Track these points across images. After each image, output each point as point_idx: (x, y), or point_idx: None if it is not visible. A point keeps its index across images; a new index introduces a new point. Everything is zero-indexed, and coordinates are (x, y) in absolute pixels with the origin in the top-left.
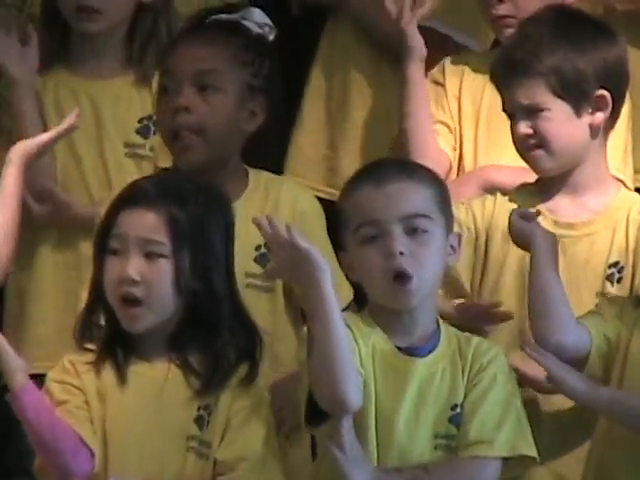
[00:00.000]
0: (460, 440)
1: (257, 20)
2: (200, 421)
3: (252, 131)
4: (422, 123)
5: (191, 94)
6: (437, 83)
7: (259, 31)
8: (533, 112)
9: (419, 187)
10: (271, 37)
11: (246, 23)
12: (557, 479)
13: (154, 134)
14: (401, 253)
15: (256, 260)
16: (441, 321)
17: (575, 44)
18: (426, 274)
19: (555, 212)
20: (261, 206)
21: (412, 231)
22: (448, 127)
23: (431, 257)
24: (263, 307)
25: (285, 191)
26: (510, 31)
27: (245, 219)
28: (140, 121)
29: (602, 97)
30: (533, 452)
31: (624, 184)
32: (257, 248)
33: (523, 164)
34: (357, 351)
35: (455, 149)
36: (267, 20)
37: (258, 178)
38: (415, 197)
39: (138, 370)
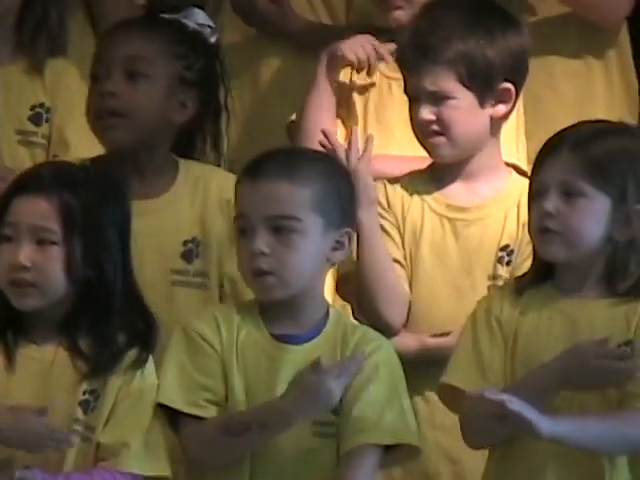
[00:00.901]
0: (341, 428)
1: (198, 20)
2: (85, 405)
3: (182, 123)
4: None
5: (120, 80)
6: None
7: (197, 29)
8: (438, 99)
9: (293, 188)
10: (212, 39)
11: (185, 21)
12: (452, 462)
13: (46, 122)
14: (262, 253)
15: (183, 256)
16: (332, 309)
17: (486, 33)
18: (290, 272)
19: (448, 196)
20: (191, 199)
21: (277, 231)
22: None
23: (297, 256)
24: (194, 303)
25: (214, 182)
26: (400, 13)
27: (173, 213)
28: (32, 108)
29: (507, 90)
30: (415, 441)
31: (516, 168)
32: (184, 243)
33: (412, 153)
34: (220, 341)
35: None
36: (209, 22)
37: (188, 169)
38: (285, 198)
39: (26, 353)
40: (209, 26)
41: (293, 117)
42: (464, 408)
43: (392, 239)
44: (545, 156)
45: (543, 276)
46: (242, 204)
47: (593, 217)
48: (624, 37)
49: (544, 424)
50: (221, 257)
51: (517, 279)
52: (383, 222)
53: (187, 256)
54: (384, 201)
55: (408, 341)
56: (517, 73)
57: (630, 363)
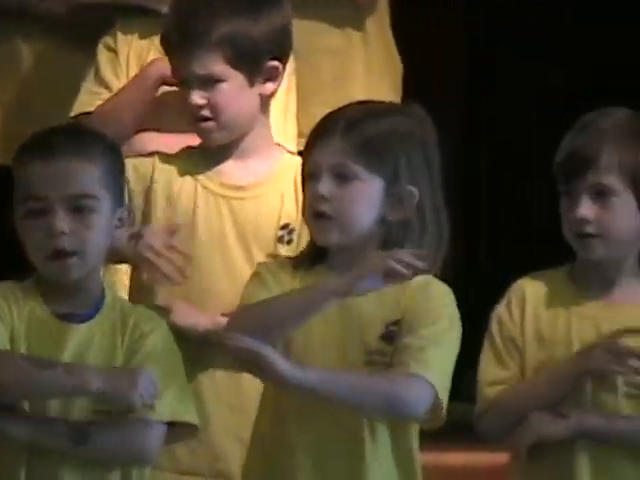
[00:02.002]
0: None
1: None
2: None
3: None
4: None
5: None
6: (110, 49)
7: None
8: (208, 82)
9: (89, 166)
10: None
11: None
12: (240, 441)
13: None
14: (63, 232)
15: None
16: (107, 289)
17: (250, 13)
18: (89, 252)
19: (222, 175)
20: None
21: (77, 210)
22: None
23: (96, 236)
24: None
25: None
26: None
27: None
28: None
29: (274, 68)
30: (195, 420)
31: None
32: None
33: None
34: (9, 311)
35: None
36: None
37: None
38: (82, 177)
39: None
40: None
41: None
42: None
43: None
44: (317, 138)
45: (317, 257)
46: (36, 186)
47: (367, 200)
48: (384, 14)
49: (291, 371)
50: None
51: (292, 258)
52: None
53: None
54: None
55: (200, 320)
56: (282, 50)
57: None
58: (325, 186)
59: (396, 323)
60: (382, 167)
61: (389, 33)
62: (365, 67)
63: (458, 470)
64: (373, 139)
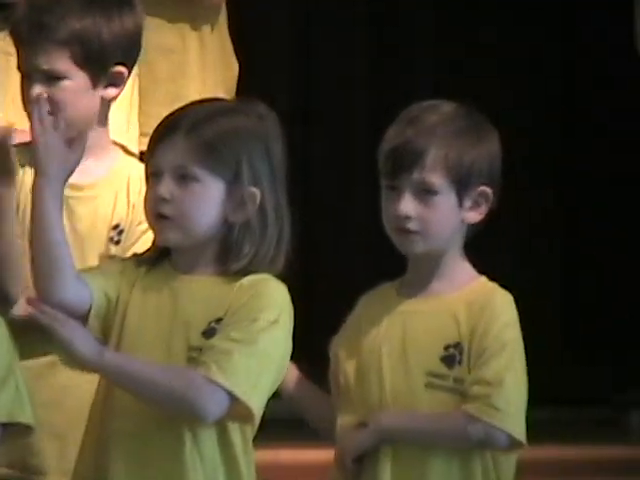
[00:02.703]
0: None
1: None
2: None
3: None
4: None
5: None
6: None
7: None
8: (51, 78)
9: None
10: None
11: None
12: (57, 438)
13: None
14: None
15: None
16: None
17: (103, 14)
18: None
19: None
20: None
21: None
22: None
23: None
24: None
25: None
26: None
27: None
28: None
29: (119, 73)
30: (30, 420)
31: (124, 149)
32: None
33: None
34: None
35: None
36: None
37: None
38: None
39: None
40: None
41: None
42: None
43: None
44: (159, 139)
45: (161, 255)
46: None
47: (208, 202)
48: (222, 14)
49: (88, 352)
50: None
51: (137, 256)
52: None
53: None
54: None
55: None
56: (130, 55)
57: None
58: (166, 187)
59: (219, 321)
60: (223, 169)
61: (226, 32)
62: (200, 66)
63: (290, 467)
64: (214, 141)
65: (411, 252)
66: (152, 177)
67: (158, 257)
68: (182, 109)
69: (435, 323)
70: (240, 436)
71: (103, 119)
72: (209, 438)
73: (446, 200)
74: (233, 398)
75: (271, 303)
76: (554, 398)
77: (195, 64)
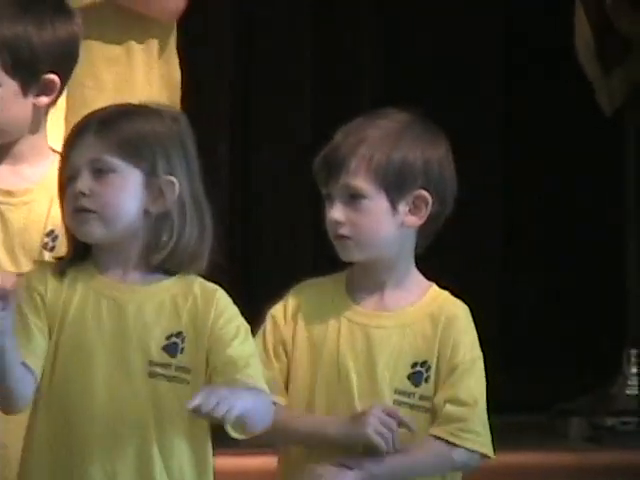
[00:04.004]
0: None
1: None
2: None
3: None
4: None
5: None
6: None
7: None
8: None
9: None
10: None
11: None
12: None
13: None
14: None
15: None
16: None
17: (35, 22)
18: None
19: None
20: None
21: None
22: None
23: None
24: None
25: None
26: None
27: None
28: None
29: (51, 82)
30: None
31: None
32: None
33: None
34: None
35: None
36: None
37: None
38: None
39: None
40: None
41: None
42: None
43: None
44: (74, 138)
45: (83, 254)
46: None
47: (126, 192)
48: (169, 26)
49: None
50: None
51: (59, 258)
52: None
53: None
54: None
55: None
56: (64, 64)
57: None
58: (84, 182)
59: (179, 335)
60: (139, 159)
61: (173, 49)
62: (145, 76)
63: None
64: (128, 133)
65: (349, 259)
66: (69, 176)
67: (79, 257)
68: (96, 110)
69: (401, 341)
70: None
71: (37, 126)
72: (180, 442)
73: (376, 204)
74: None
75: (235, 312)
76: (495, 405)
77: (140, 74)
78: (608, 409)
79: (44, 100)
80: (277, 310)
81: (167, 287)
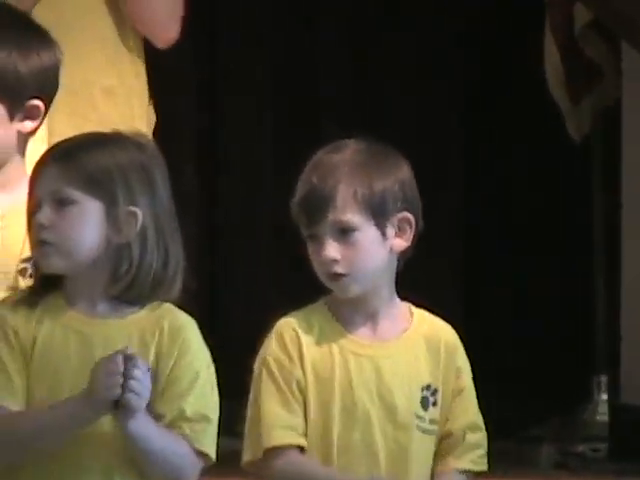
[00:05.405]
0: None
1: None
2: None
3: None
4: None
5: None
6: None
7: None
8: None
9: None
10: None
11: None
12: None
13: None
14: None
15: None
16: None
17: (20, 49)
18: None
19: None
20: None
21: None
22: None
23: None
24: None
25: None
26: None
27: None
28: None
29: (36, 107)
30: None
31: None
32: None
33: None
34: None
35: None
36: None
37: None
38: None
39: None
40: None
41: None
42: None
43: None
44: (37, 170)
45: (54, 283)
46: None
47: (86, 223)
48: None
49: None
50: None
51: (29, 287)
52: None
53: None
54: None
55: None
56: (47, 90)
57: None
58: (44, 215)
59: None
60: (99, 191)
61: (143, 74)
62: (140, 103)
63: None
64: (89, 164)
65: (347, 296)
66: (34, 211)
67: (46, 289)
68: (60, 141)
69: (409, 367)
70: None
71: (20, 152)
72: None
73: (366, 235)
74: (208, 459)
75: (199, 349)
76: None
77: (137, 101)
78: (578, 435)
79: (29, 125)
80: (274, 350)
81: (137, 320)
